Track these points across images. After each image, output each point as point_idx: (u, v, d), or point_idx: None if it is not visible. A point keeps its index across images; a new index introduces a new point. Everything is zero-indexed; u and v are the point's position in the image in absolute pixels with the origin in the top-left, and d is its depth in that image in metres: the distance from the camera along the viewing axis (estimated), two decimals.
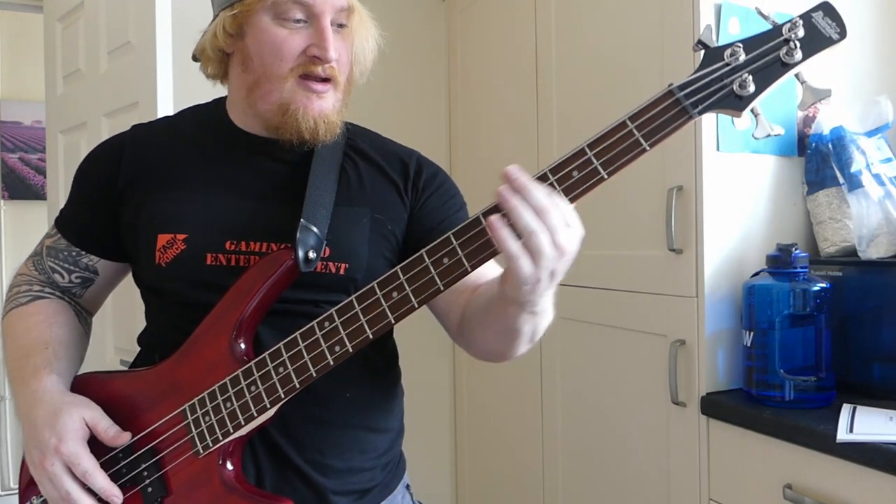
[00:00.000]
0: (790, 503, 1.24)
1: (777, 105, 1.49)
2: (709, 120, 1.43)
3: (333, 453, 0.92)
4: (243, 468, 0.87)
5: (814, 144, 1.51)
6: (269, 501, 0.84)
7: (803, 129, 1.55)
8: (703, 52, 0.76)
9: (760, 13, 0.79)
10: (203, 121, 1.00)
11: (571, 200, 0.73)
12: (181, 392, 0.87)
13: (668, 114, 0.73)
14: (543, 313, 0.88)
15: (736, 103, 0.74)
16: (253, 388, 0.83)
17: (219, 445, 0.84)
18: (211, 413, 0.85)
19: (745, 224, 1.49)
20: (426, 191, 1.01)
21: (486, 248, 0.74)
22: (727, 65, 0.74)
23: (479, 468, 2.34)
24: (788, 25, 0.74)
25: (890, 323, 1.33)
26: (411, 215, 0.99)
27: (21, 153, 3.67)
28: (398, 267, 0.77)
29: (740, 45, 0.74)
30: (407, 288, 0.77)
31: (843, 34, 0.74)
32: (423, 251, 0.76)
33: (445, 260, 0.75)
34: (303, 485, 0.90)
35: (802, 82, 0.75)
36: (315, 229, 0.89)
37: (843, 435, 1.15)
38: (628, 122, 0.73)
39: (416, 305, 0.77)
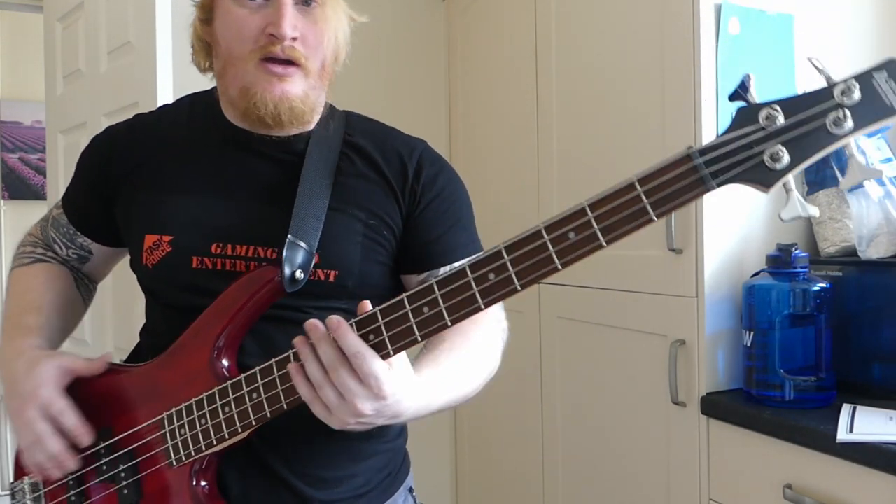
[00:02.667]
0: (790, 503, 1.24)
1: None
2: (709, 119, 1.43)
3: (322, 464, 0.90)
4: (229, 479, 0.87)
5: None
6: None
7: None
8: (735, 106, 0.66)
9: (814, 65, 0.66)
10: (198, 113, 0.98)
11: (564, 265, 0.69)
12: (162, 398, 0.86)
13: (682, 182, 0.65)
14: (407, 417, 0.80)
15: (764, 177, 0.63)
16: (227, 409, 0.81)
17: (191, 460, 0.84)
18: (186, 427, 0.83)
19: (745, 224, 1.49)
20: (424, 197, 0.95)
21: (465, 305, 0.70)
22: (761, 129, 0.63)
23: (479, 468, 2.33)
24: (842, 87, 0.61)
25: (890, 323, 1.33)
26: (407, 221, 0.94)
27: (21, 153, 3.67)
28: (378, 309, 0.73)
29: (778, 107, 0.63)
30: (384, 333, 0.72)
31: None
32: (404, 296, 0.72)
33: (426, 309, 0.71)
34: (290, 495, 0.88)
35: (850, 155, 0.65)
36: (303, 244, 0.85)
37: (843, 435, 1.15)
38: (637, 186, 0.65)
39: (392, 353, 0.73)
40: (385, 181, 0.94)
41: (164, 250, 0.89)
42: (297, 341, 0.73)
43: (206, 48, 0.94)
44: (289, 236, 0.85)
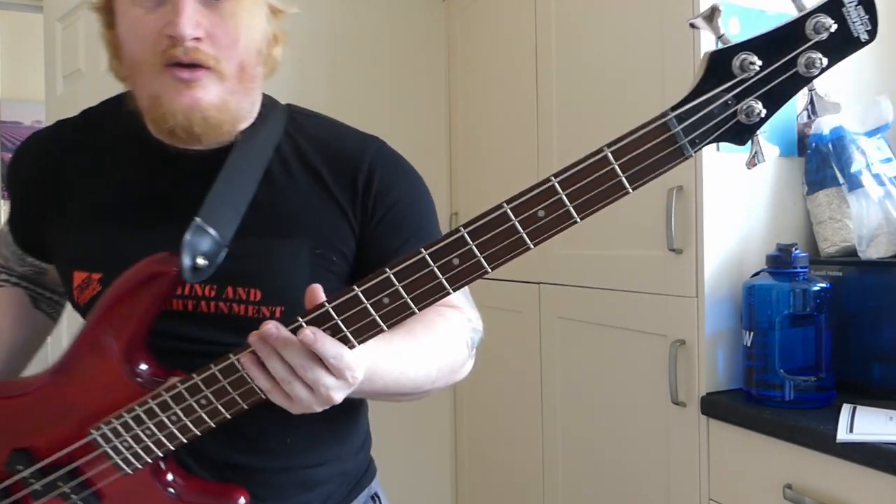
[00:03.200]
0: (790, 503, 1.24)
1: None
2: None
3: (272, 494, 0.85)
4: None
5: (814, 144, 1.51)
6: (220, 495, 0.80)
7: (803, 129, 1.55)
8: (704, 56, 0.59)
9: None
10: (122, 122, 0.87)
11: (536, 244, 0.64)
12: (82, 417, 0.79)
13: (660, 153, 0.60)
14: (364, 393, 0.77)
15: (740, 133, 0.59)
16: (174, 418, 0.75)
17: (148, 465, 0.79)
18: (132, 441, 0.77)
19: (745, 224, 1.49)
20: (378, 210, 0.85)
21: (433, 293, 0.66)
22: (739, 82, 0.58)
23: (479, 468, 2.33)
24: (814, 22, 0.56)
25: (890, 323, 1.33)
26: (361, 239, 0.85)
27: None
28: (330, 306, 0.67)
29: (752, 54, 0.57)
30: (345, 329, 0.67)
31: (873, 33, 0.57)
32: (358, 291, 0.67)
33: (386, 300, 0.66)
34: None
35: (811, 90, 0.60)
36: (212, 231, 0.76)
37: (843, 435, 1.15)
38: (611, 159, 0.60)
39: (357, 345, 0.69)
40: (333, 200, 0.85)
41: (94, 289, 0.82)
42: (255, 343, 0.67)
43: (119, 55, 0.83)
44: (196, 219, 0.76)
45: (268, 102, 0.89)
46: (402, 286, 0.66)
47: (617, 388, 1.69)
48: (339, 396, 0.69)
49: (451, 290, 0.65)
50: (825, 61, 0.57)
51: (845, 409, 1.27)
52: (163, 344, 0.80)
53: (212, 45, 0.77)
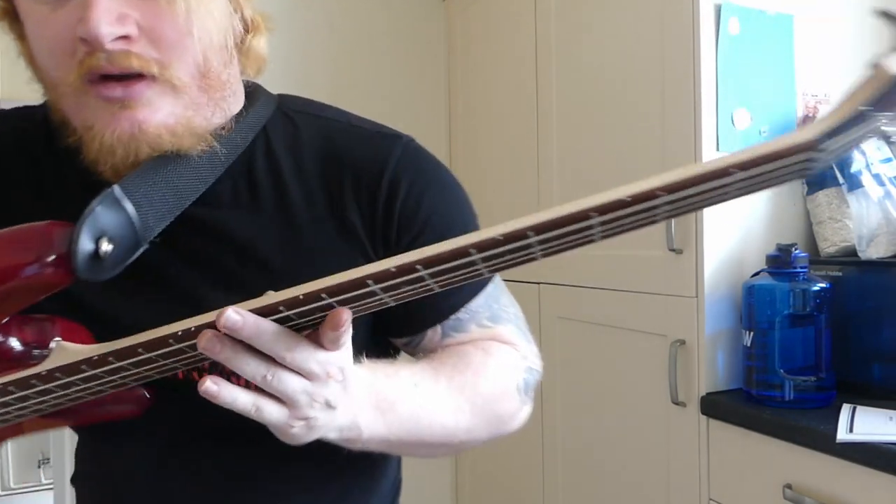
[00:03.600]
0: (790, 503, 1.24)
1: (775, 104, 1.50)
2: (708, 119, 1.43)
3: None
4: None
5: None
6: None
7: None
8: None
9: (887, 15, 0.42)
10: (53, 139, 0.64)
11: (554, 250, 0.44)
12: None
13: (789, 170, 0.41)
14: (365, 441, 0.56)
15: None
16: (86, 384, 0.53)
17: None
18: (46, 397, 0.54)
19: (745, 224, 1.49)
20: (405, 235, 0.64)
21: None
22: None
23: (479, 468, 2.33)
24: None
25: (890, 323, 1.33)
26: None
27: None
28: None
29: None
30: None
31: None
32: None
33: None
34: None
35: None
36: (130, 207, 0.55)
37: (842, 435, 1.15)
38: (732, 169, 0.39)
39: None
40: (340, 223, 0.64)
41: None
42: (206, 345, 0.47)
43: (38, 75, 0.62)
44: (113, 187, 0.56)
45: (252, 94, 0.68)
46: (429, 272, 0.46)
47: (617, 387, 1.69)
48: (327, 412, 0.51)
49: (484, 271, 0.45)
50: None
51: (845, 409, 1.27)
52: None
53: (150, 43, 0.55)
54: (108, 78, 0.54)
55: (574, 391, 1.84)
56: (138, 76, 0.55)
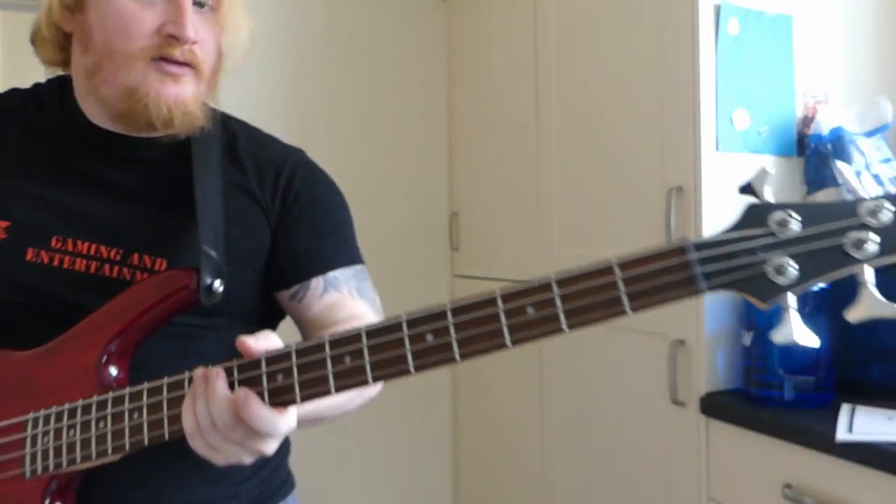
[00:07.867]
0: (790, 503, 1.24)
1: (774, 104, 1.50)
2: (708, 119, 1.43)
3: None
4: None
5: (813, 145, 1.51)
6: None
7: (802, 129, 1.55)
8: (745, 202, 0.56)
9: (844, 175, 0.56)
10: (47, 105, 0.87)
11: (514, 343, 0.58)
12: (35, 395, 0.75)
13: (670, 277, 0.56)
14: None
15: (764, 289, 0.54)
16: (101, 423, 0.70)
17: (47, 475, 0.72)
18: (52, 435, 0.72)
19: None
20: (295, 208, 0.88)
21: (392, 364, 0.61)
22: (770, 234, 0.54)
23: (479, 468, 2.34)
24: (871, 206, 0.51)
25: (889, 323, 1.32)
26: (274, 235, 0.87)
27: None
28: (294, 347, 0.64)
29: (794, 213, 0.53)
30: (295, 376, 0.63)
31: None
32: (326, 339, 0.63)
33: (347, 359, 0.62)
34: None
35: (861, 283, 0.53)
36: (214, 255, 0.78)
37: (842, 435, 1.15)
38: (616, 270, 0.57)
39: (299, 401, 0.63)
40: (252, 196, 0.88)
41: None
42: (195, 379, 0.65)
43: (61, 40, 0.84)
44: (203, 247, 0.78)
45: (208, 108, 0.91)
46: (368, 345, 0.61)
47: (617, 387, 1.69)
48: (270, 449, 0.65)
49: (411, 369, 0.60)
50: (877, 248, 0.51)
51: (845, 409, 1.27)
52: (52, 308, 0.78)
53: (201, 48, 0.81)
54: (167, 60, 0.78)
55: (574, 391, 1.84)
56: (188, 65, 0.80)
